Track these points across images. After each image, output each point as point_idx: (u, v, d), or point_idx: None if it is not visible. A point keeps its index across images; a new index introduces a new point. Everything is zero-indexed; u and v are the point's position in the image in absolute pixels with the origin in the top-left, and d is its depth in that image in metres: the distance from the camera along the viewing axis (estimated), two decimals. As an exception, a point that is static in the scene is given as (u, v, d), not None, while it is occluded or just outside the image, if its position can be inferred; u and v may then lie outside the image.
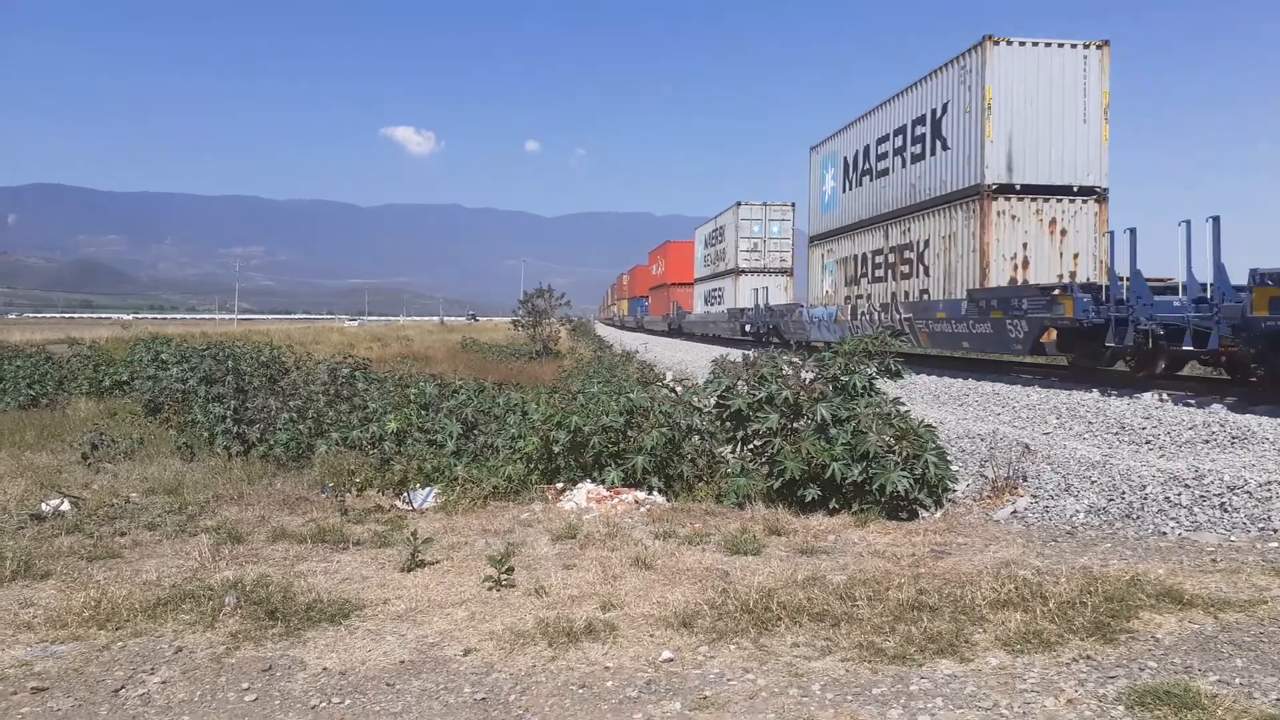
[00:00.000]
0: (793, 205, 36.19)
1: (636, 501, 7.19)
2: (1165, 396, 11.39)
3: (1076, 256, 16.07)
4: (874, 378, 7.55)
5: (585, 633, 4.15)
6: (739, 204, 36.22)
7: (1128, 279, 12.01)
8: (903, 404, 7.66)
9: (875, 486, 6.62)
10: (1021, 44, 15.92)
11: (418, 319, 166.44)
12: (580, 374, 15.21)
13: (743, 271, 35.73)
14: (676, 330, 48.40)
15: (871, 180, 21.23)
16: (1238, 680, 3.43)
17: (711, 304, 40.79)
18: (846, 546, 5.87)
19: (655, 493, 7.45)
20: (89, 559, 5.59)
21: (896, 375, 7.77)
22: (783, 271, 35.86)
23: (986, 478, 8.08)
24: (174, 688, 3.65)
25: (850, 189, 22.68)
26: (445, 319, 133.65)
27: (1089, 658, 3.71)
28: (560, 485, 7.69)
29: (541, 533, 6.28)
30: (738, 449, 7.80)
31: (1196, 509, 6.34)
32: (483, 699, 3.52)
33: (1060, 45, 15.94)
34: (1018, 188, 15.96)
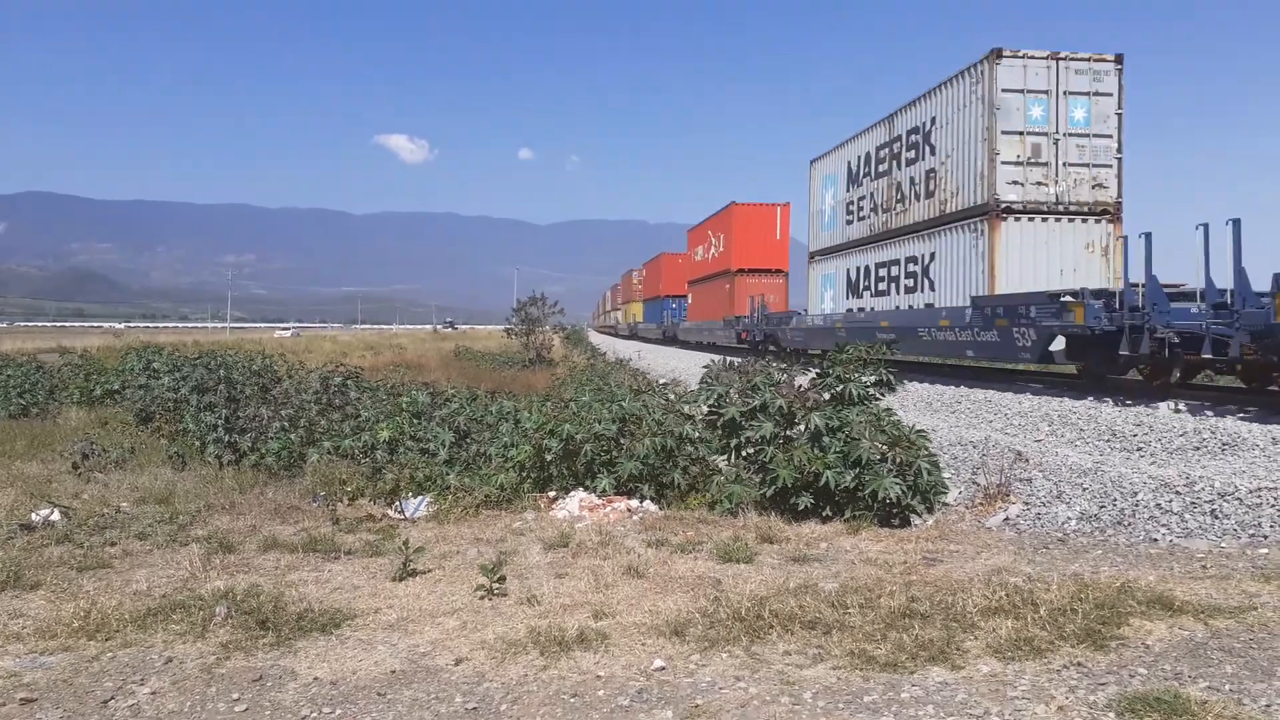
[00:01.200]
0: (1116, 61, 15.88)
1: (629, 510, 7.19)
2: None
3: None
4: (870, 388, 7.59)
5: (577, 641, 4.14)
6: (998, 54, 15.63)
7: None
8: (894, 412, 7.68)
9: (868, 493, 6.64)
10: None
11: (411, 327, 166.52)
12: (573, 382, 15.21)
13: (1010, 211, 15.64)
14: (762, 344, 27.48)
15: None
16: (1227, 687, 3.44)
17: (861, 293, 21.36)
18: (839, 554, 5.88)
19: (648, 501, 7.45)
20: (79, 569, 5.56)
21: (890, 388, 7.83)
22: (1101, 212, 15.90)
23: (979, 485, 8.10)
24: (164, 698, 3.63)
25: None
26: (439, 327, 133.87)
27: (1080, 665, 3.72)
28: (553, 493, 7.69)
29: (534, 541, 6.27)
30: (731, 457, 7.81)
31: (1187, 516, 6.37)
32: (474, 708, 3.51)
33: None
34: None
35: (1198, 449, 8.27)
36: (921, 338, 17.36)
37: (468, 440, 9.04)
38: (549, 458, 7.85)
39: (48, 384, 16.29)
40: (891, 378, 7.91)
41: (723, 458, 8.00)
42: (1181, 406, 10.87)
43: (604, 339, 68.05)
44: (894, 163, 19.85)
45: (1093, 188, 16.00)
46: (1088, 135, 15.92)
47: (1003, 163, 15.79)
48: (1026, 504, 7.40)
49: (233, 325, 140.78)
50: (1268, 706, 3.26)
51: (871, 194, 21.10)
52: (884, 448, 6.93)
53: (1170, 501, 6.58)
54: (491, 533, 6.59)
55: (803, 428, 7.29)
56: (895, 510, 6.90)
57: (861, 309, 21.35)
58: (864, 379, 7.62)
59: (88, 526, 6.66)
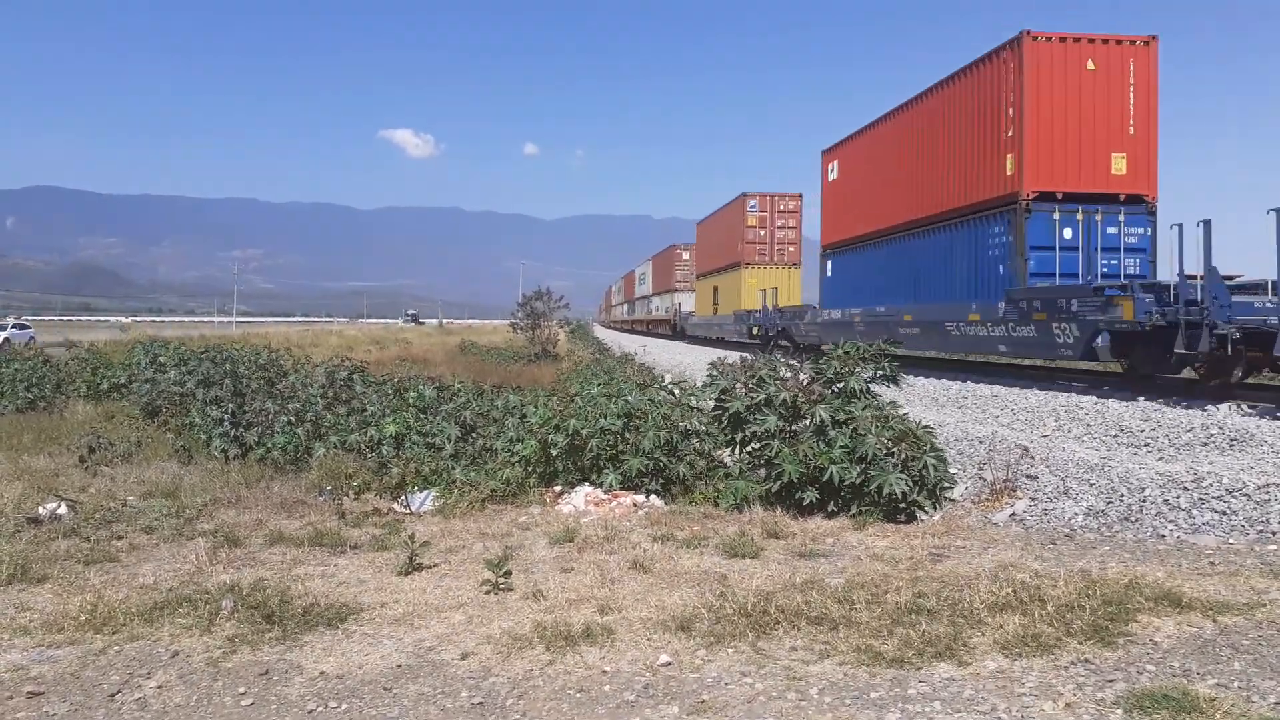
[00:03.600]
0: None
1: (634, 504, 7.18)
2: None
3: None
4: (870, 383, 7.53)
5: (583, 636, 4.14)
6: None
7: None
8: (900, 406, 7.66)
9: (873, 488, 6.62)
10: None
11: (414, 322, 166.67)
12: (579, 376, 15.20)
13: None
14: None
15: None
16: (1236, 684, 3.43)
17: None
18: (845, 549, 5.87)
19: (653, 496, 7.44)
20: (86, 563, 5.58)
21: (893, 381, 7.74)
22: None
23: (985, 480, 8.07)
24: (170, 692, 3.64)
25: None
26: (443, 321, 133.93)
27: (1087, 661, 3.70)
28: (558, 488, 7.69)
29: (539, 536, 6.27)
30: (736, 451, 7.79)
31: (1195, 511, 6.34)
32: (480, 703, 3.51)
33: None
34: None
35: (1205, 445, 8.24)
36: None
37: (473, 435, 9.04)
38: (554, 452, 7.84)
39: (54, 378, 16.32)
40: (893, 370, 7.74)
41: (729, 452, 7.99)
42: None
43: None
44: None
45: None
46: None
47: None
48: (1033, 500, 7.38)
49: (239, 319, 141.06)
50: (1277, 704, 3.24)
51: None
52: (889, 443, 6.91)
53: (1178, 497, 6.56)
54: (497, 527, 6.59)
55: (807, 421, 7.27)
56: (901, 506, 6.88)
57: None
58: (862, 374, 7.50)
59: (94, 520, 6.68)
